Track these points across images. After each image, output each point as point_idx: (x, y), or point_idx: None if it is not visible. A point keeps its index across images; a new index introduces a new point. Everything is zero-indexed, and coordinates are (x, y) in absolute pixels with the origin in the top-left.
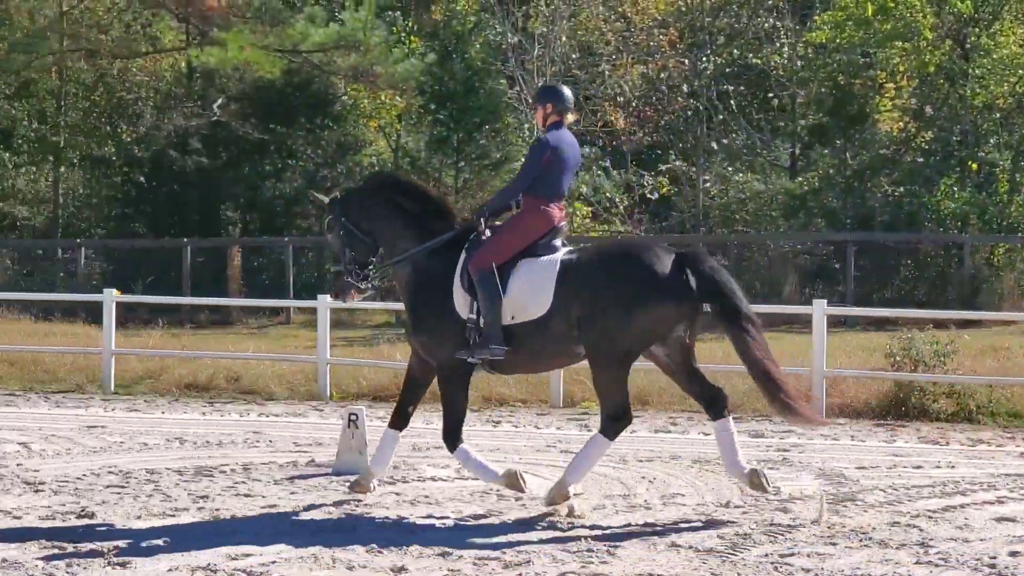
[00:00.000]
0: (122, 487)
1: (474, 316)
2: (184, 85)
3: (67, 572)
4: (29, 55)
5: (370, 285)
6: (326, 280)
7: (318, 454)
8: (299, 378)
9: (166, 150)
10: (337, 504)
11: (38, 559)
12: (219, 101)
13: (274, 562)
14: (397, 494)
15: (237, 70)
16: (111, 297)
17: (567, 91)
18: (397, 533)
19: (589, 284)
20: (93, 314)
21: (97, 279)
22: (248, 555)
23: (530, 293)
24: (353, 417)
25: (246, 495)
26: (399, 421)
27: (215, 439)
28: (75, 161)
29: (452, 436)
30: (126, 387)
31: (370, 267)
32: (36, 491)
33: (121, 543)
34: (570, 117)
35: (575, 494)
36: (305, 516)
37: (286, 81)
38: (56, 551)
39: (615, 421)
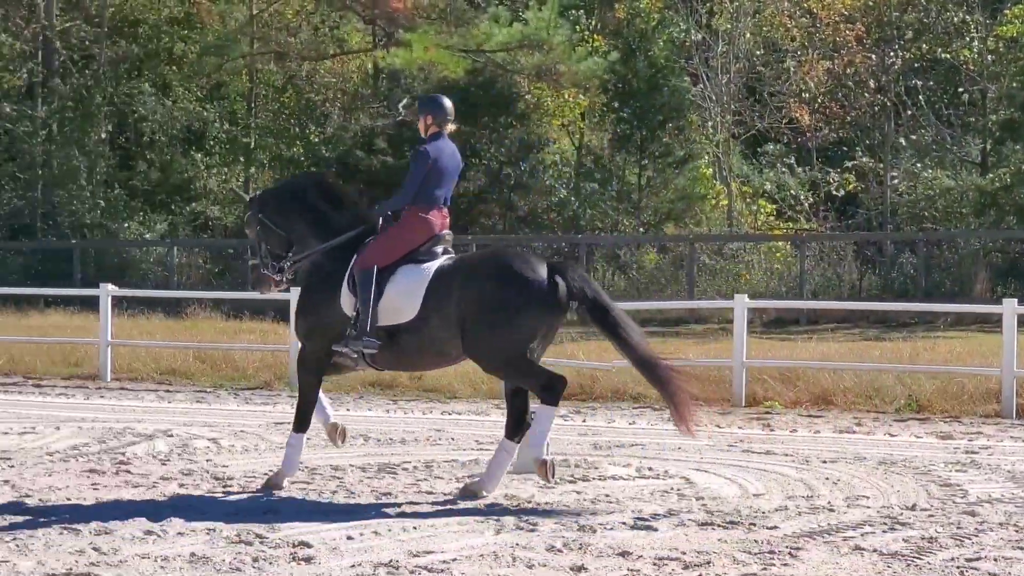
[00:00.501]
0: (307, 483)
1: (355, 314)
2: (370, 86)
3: (254, 567)
4: (220, 58)
5: (285, 278)
6: None
7: None
8: (481, 377)
9: (352, 150)
10: (518, 503)
11: (226, 554)
12: (404, 101)
13: (455, 559)
14: (577, 492)
15: (422, 70)
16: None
17: (447, 102)
18: (577, 532)
19: (468, 291)
20: (281, 312)
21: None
22: (429, 552)
23: (402, 298)
24: (534, 415)
25: (428, 492)
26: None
27: (398, 436)
28: (265, 161)
29: (300, 419)
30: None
31: (284, 261)
32: (225, 487)
33: (306, 539)
34: (450, 127)
35: (757, 494)
36: (485, 513)
37: (470, 80)
38: (243, 546)
39: (547, 389)
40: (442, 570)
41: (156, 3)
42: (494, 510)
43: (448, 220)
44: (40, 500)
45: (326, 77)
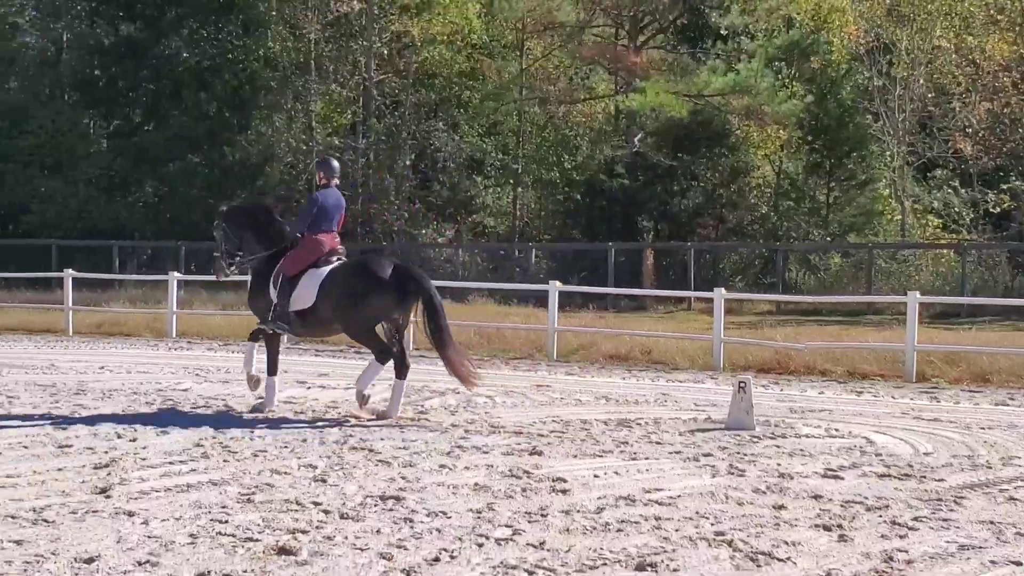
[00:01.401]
0: (562, 432)
1: (274, 303)
2: (612, 124)
3: (523, 496)
4: (497, 103)
5: (233, 270)
6: (721, 276)
7: (713, 413)
8: (698, 352)
9: (597, 175)
10: (728, 451)
11: (501, 484)
12: (638, 136)
13: (679, 496)
14: (777, 447)
15: (653, 111)
16: (555, 288)
17: (335, 164)
18: (778, 478)
19: (338, 285)
20: (540, 300)
21: (544, 274)
22: (659, 489)
23: (305, 292)
24: (742, 384)
25: (657, 443)
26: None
27: (632, 398)
28: (529, 183)
29: (270, 370)
30: (565, 356)
31: (235, 258)
32: (498, 433)
33: (563, 475)
34: (335, 182)
35: (926, 453)
36: (703, 461)
37: (691, 119)
38: (514, 479)
39: (381, 353)
40: (669, 503)
41: (449, 60)
42: (708, 459)
43: (338, 239)
44: (360, 439)
45: (578, 117)
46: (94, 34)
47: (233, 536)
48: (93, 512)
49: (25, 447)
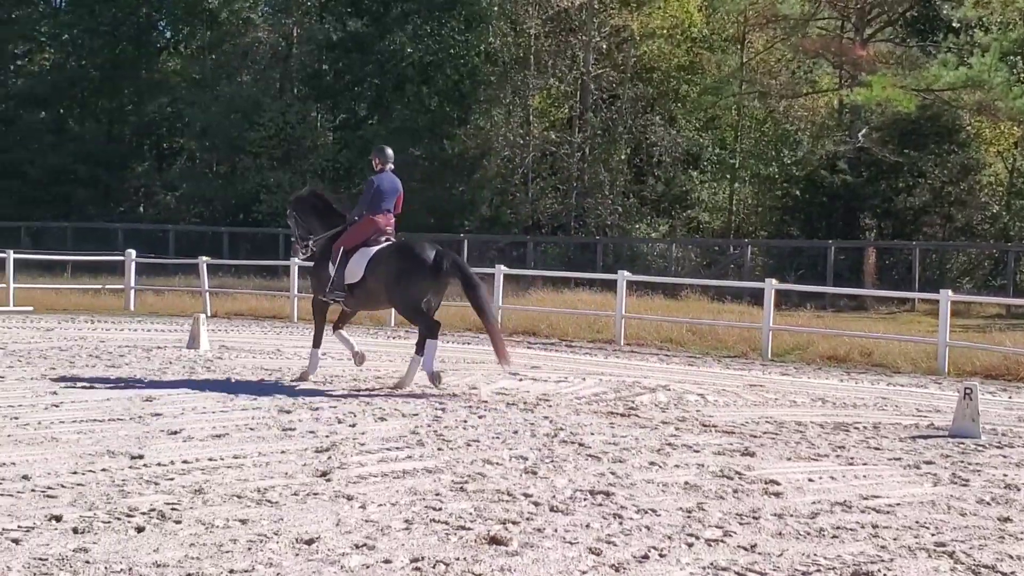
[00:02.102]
0: (775, 434)
1: (335, 275)
2: (835, 119)
3: (734, 497)
4: (716, 97)
5: (310, 251)
6: (947, 277)
7: (936, 419)
8: (921, 356)
9: (818, 170)
10: (952, 460)
11: (711, 484)
12: (863, 131)
13: (898, 504)
14: (1004, 457)
15: (879, 106)
16: (771, 285)
17: (389, 151)
18: (1004, 489)
19: (383, 264)
20: (754, 297)
21: (759, 271)
22: (876, 496)
23: (355, 267)
24: (968, 391)
25: (875, 448)
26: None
27: (850, 401)
28: (746, 179)
29: (315, 339)
30: (780, 356)
31: (308, 241)
32: (709, 432)
33: (775, 478)
34: (390, 166)
35: None
36: (924, 469)
37: (919, 114)
38: (725, 480)
39: (430, 329)
40: (888, 511)
41: (668, 54)
42: (930, 467)
43: (393, 221)
44: (571, 433)
45: (799, 111)
46: (323, 30)
47: (446, 523)
48: (314, 494)
49: (251, 429)
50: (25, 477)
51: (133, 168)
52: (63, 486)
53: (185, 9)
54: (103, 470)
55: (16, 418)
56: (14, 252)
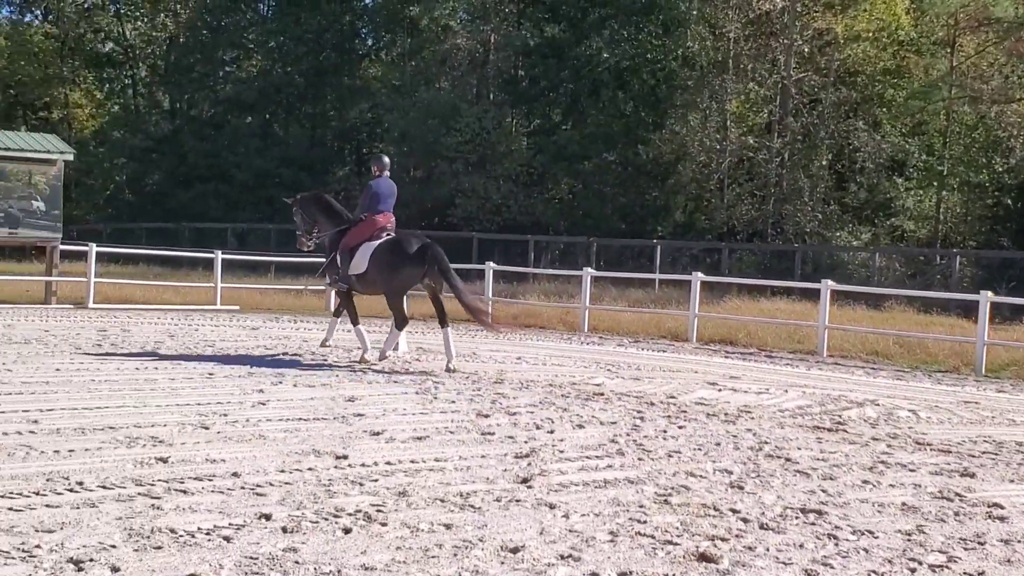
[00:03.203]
0: (995, 454)
1: (341, 267)
2: None
3: (955, 520)
4: (923, 101)
5: (311, 245)
6: None
7: None
8: None
9: None
10: None
11: (930, 506)
12: None
13: None
14: None
15: None
16: (985, 298)
17: (386, 159)
18: None
19: (380, 256)
20: (964, 310)
21: (967, 282)
22: None
23: (360, 260)
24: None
25: None
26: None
27: None
28: (954, 186)
29: (352, 322)
30: (994, 372)
31: (312, 235)
32: (923, 450)
33: (999, 501)
34: (387, 173)
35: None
36: None
37: None
38: (945, 501)
39: (399, 321)
40: None
41: (873, 58)
42: None
43: (392, 219)
44: (776, 447)
45: (1012, 117)
46: (520, 36)
47: (652, 537)
48: (516, 501)
49: (451, 432)
50: (235, 474)
51: (334, 172)
52: (271, 484)
53: (387, 17)
54: (309, 469)
55: (225, 415)
56: (222, 252)
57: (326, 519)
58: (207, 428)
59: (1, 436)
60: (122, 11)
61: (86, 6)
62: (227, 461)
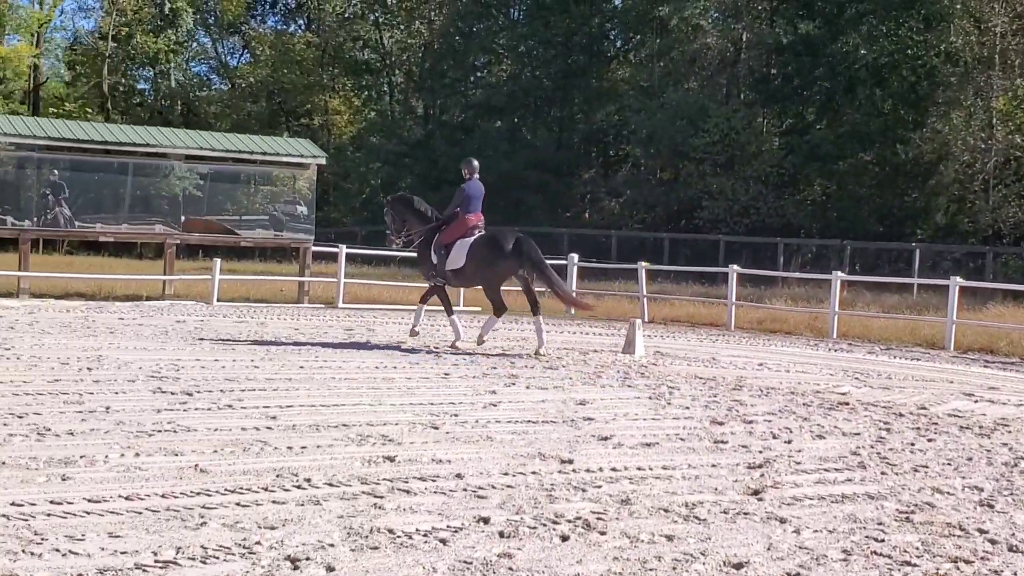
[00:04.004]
0: None
1: (436, 263)
2: None
3: None
4: None
5: (401, 242)
6: None
7: None
8: None
9: None
10: None
11: None
12: None
13: None
14: None
15: None
16: None
17: (475, 162)
18: None
19: (477, 251)
20: None
21: None
22: None
23: (456, 256)
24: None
25: None
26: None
27: None
28: None
29: (447, 311)
30: None
31: (402, 233)
32: None
33: None
34: (476, 176)
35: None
36: None
37: None
38: None
39: (497, 309)
40: None
41: None
42: None
43: (482, 218)
44: None
45: None
46: (773, 33)
47: (889, 557)
48: (744, 514)
49: (682, 439)
50: (458, 476)
51: (580, 175)
52: (493, 487)
53: (636, 18)
54: (533, 473)
55: (456, 415)
56: None
57: (544, 525)
58: (436, 428)
59: (239, 431)
60: (380, 20)
61: (346, 15)
62: (452, 462)
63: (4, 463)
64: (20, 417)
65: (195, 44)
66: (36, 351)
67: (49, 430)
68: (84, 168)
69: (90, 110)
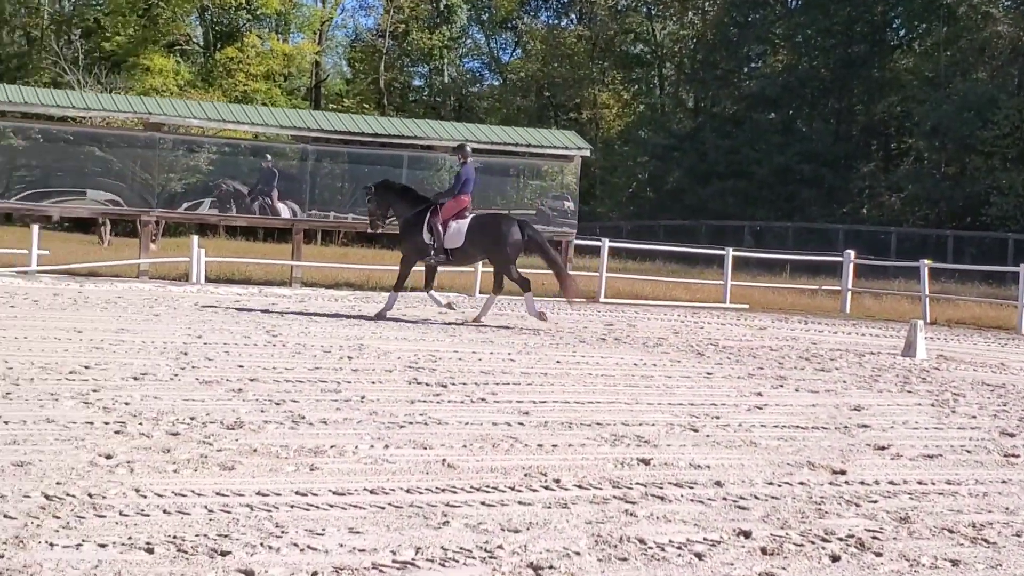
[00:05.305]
0: None
1: (430, 243)
2: None
3: None
4: None
5: (381, 227)
6: None
7: None
8: None
9: None
10: None
11: None
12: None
13: None
14: None
15: None
16: None
17: (469, 148)
18: None
19: (482, 233)
20: None
21: None
22: None
23: (455, 235)
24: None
25: None
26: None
27: None
28: None
29: (397, 285)
30: None
31: (386, 218)
32: None
33: None
34: (470, 160)
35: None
36: None
37: None
38: None
39: (522, 283)
40: None
41: None
42: None
43: (470, 200)
44: None
45: None
46: None
47: None
48: None
49: (968, 451)
50: (718, 483)
51: (858, 168)
52: (756, 497)
53: (921, 6)
54: (800, 483)
55: (717, 417)
56: (733, 250)
57: (812, 543)
58: (696, 431)
59: (490, 426)
60: (653, 12)
61: (618, 8)
62: (711, 468)
63: (256, 450)
64: (278, 404)
65: (468, 40)
66: (302, 339)
67: (303, 418)
68: (363, 160)
69: (367, 106)
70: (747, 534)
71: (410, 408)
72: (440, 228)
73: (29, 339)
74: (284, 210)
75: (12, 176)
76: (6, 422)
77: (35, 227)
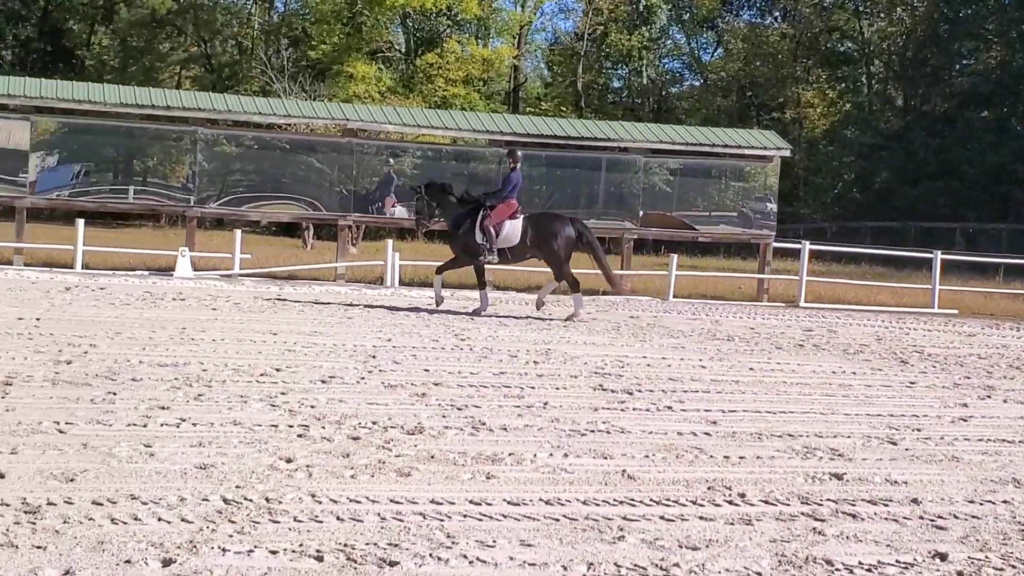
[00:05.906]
0: None
1: (483, 243)
2: None
3: None
4: None
5: (428, 226)
6: None
7: None
8: None
9: None
10: None
11: None
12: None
13: None
14: None
15: None
16: None
17: (519, 153)
18: None
19: (539, 231)
20: None
21: None
22: None
23: (510, 235)
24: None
25: None
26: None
27: None
28: None
29: (441, 271)
30: None
31: (432, 216)
32: None
33: None
34: (519, 165)
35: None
36: None
37: None
38: None
39: (572, 283)
40: None
41: None
42: None
43: (517, 204)
44: None
45: None
46: None
47: None
48: None
49: None
50: (914, 500)
51: None
52: (955, 516)
53: None
54: (1004, 502)
55: (918, 430)
56: (942, 253)
57: (1014, 567)
58: (894, 444)
59: (675, 435)
60: (860, 8)
61: (824, 5)
62: (908, 484)
63: (433, 457)
64: (459, 409)
65: (668, 41)
66: (489, 343)
67: (484, 424)
68: (560, 164)
69: (564, 109)
70: (943, 556)
71: (593, 415)
72: (493, 230)
73: (226, 341)
74: (399, 215)
75: (226, 181)
76: (194, 424)
77: (237, 232)
